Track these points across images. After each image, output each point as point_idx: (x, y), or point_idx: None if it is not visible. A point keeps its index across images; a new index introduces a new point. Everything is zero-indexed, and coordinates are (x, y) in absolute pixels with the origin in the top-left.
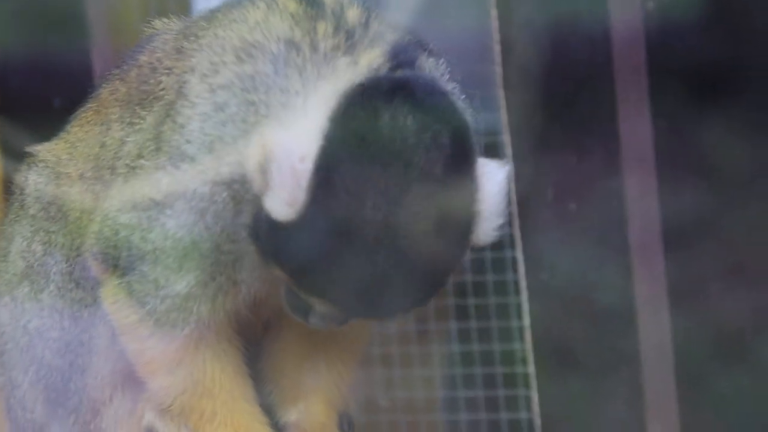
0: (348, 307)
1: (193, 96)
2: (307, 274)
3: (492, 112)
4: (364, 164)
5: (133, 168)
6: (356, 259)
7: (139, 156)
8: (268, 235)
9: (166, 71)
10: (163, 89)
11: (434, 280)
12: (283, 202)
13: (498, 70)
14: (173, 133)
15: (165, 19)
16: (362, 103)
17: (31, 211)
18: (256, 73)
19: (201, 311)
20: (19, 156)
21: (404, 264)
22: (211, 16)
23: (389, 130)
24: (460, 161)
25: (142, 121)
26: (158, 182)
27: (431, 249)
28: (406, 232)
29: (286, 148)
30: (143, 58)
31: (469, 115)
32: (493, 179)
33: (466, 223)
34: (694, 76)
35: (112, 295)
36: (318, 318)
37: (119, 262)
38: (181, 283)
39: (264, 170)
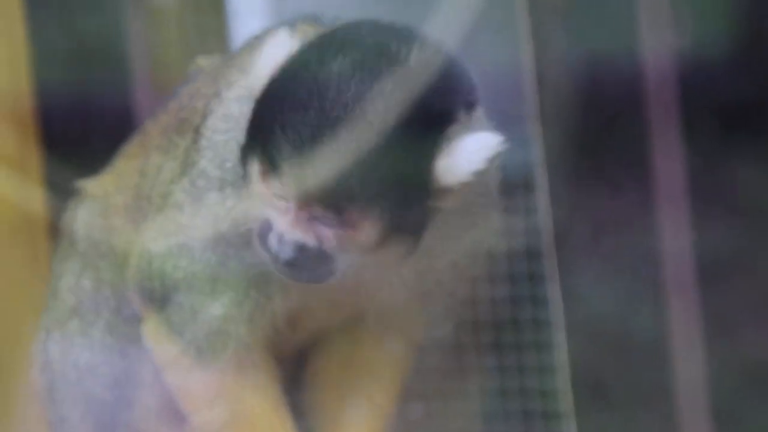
0: (290, 176)
1: (210, 115)
2: (259, 133)
3: (527, 148)
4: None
5: (165, 195)
6: (295, 112)
7: (171, 182)
8: (248, 122)
9: (202, 97)
10: (197, 114)
11: (367, 164)
12: (259, 77)
13: (533, 106)
14: (194, 153)
15: (208, 56)
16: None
17: (81, 248)
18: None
19: (240, 333)
20: (63, 194)
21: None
22: (247, 43)
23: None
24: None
25: (177, 149)
26: (182, 205)
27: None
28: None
29: (275, 46)
30: (184, 90)
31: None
32: (482, 137)
33: (420, 126)
34: (728, 112)
35: (153, 331)
36: (276, 240)
37: (155, 294)
38: (216, 306)
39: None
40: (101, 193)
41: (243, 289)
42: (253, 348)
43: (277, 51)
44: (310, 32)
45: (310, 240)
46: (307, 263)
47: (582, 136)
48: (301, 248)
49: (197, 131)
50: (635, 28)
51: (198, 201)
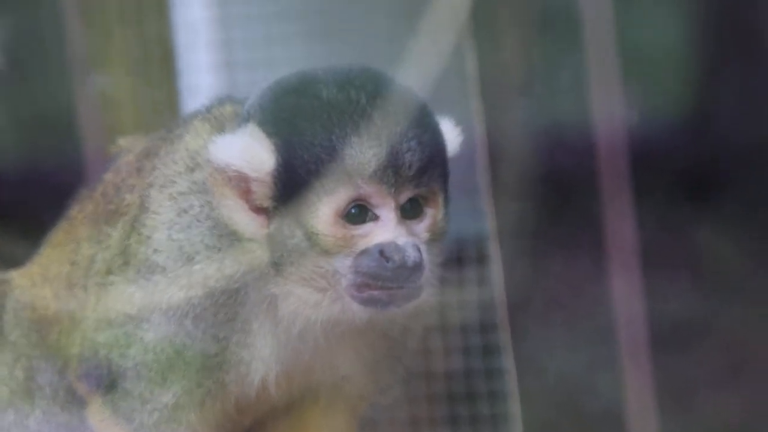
0: (385, 171)
1: (155, 206)
2: (340, 165)
3: (480, 221)
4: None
5: (104, 285)
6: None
7: (109, 272)
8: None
9: (129, 189)
10: (127, 205)
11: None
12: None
13: (486, 179)
14: (140, 245)
15: (130, 137)
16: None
17: (11, 338)
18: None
19: (190, 419)
20: (11, 266)
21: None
22: (164, 134)
23: None
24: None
25: (109, 238)
26: (130, 297)
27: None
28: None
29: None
30: (108, 177)
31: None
32: (445, 123)
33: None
34: (679, 181)
35: (98, 414)
36: (394, 250)
37: (102, 381)
38: (167, 395)
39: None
40: (28, 284)
41: (196, 378)
42: (204, 428)
43: (197, 142)
44: (226, 113)
45: (411, 239)
46: (421, 265)
47: (534, 207)
48: (415, 246)
49: (140, 222)
50: (586, 100)
51: (151, 295)
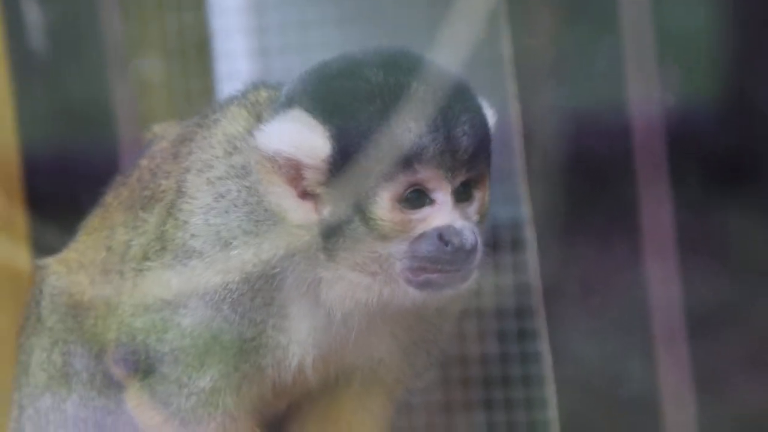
0: (442, 155)
1: (192, 191)
2: (401, 151)
3: (515, 205)
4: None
5: (140, 270)
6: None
7: (145, 257)
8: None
9: (165, 175)
10: (163, 191)
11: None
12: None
13: (520, 163)
14: (177, 230)
15: (164, 124)
16: None
17: (48, 323)
18: (245, 161)
19: (227, 403)
20: (48, 253)
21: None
22: (200, 120)
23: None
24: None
25: (145, 224)
26: (167, 282)
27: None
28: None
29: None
30: (144, 163)
31: None
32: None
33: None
34: (714, 166)
35: (135, 398)
36: (453, 234)
37: (139, 365)
38: (205, 379)
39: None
40: (65, 270)
41: (233, 362)
42: (238, 416)
43: (234, 127)
44: (261, 99)
45: (466, 222)
46: (476, 248)
47: (570, 191)
48: (470, 229)
49: (176, 208)
50: (622, 84)
51: (188, 280)
